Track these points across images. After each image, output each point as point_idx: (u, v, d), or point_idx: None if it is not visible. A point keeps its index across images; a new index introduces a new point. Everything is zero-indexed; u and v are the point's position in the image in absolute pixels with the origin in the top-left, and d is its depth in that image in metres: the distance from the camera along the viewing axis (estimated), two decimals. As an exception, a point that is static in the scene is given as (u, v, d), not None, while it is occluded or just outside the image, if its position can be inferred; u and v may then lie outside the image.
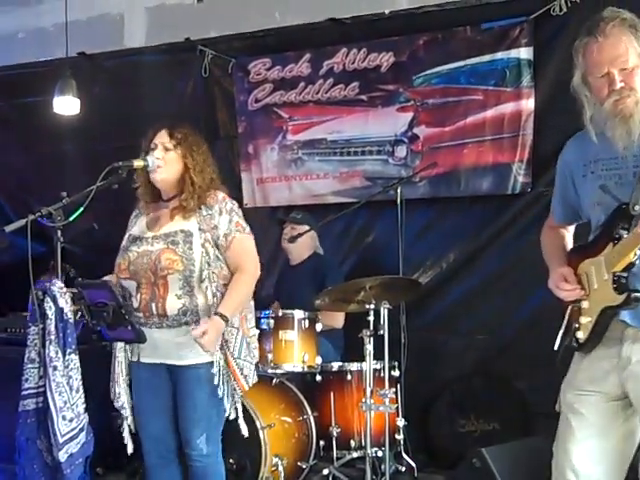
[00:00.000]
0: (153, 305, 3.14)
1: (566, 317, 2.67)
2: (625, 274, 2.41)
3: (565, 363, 2.67)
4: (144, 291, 3.17)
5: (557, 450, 2.65)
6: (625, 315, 2.47)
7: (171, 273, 3.12)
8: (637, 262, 2.40)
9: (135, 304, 3.20)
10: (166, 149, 3.25)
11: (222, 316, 3.08)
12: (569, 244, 2.85)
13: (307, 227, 4.96)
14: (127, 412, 3.32)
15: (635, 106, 2.41)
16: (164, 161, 3.22)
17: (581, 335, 2.58)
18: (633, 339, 2.48)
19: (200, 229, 3.18)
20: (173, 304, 3.13)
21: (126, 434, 3.34)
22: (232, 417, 3.28)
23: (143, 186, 3.33)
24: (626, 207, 2.42)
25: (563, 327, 2.68)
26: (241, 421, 3.33)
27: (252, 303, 3.39)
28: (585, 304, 2.57)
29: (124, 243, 3.31)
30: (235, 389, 3.21)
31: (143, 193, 3.35)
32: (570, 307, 2.65)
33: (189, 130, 3.34)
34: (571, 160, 2.70)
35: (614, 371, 2.51)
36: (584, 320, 2.57)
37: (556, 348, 2.68)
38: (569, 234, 2.88)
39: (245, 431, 3.34)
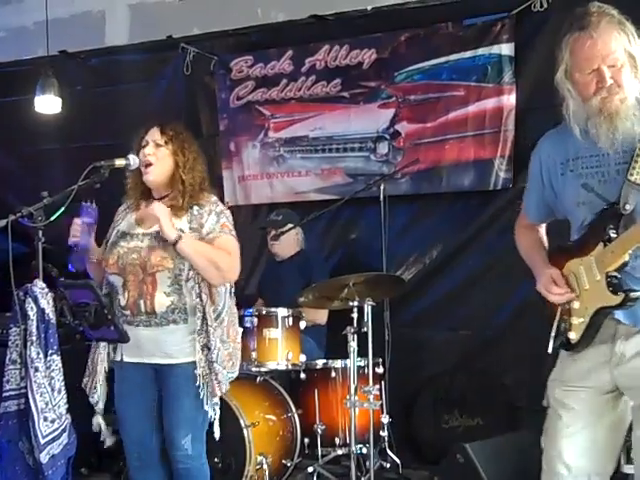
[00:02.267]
0: (141, 302, 3.13)
1: (556, 319, 2.65)
2: (618, 275, 2.41)
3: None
4: (131, 288, 3.16)
5: (547, 445, 2.65)
6: (619, 314, 2.47)
7: (161, 270, 3.11)
8: (630, 262, 2.40)
9: (122, 302, 3.19)
10: (157, 145, 3.23)
11: (180, 235, 3.07)
12: (546, 242, 2.83)
13: (290, 226, 4.96)
14: (100, 407, 3.29)
15: (621, 104, 2.39)
16: (155, 157, 3.21)
17: (573, 336, 2.56)
18: (626, 335, 2.48)
19: (191, 228, 3.18)
20: (162, 301, 3.12)
21: (103, 428, 3.32)
22: (213, 419, 3.26)
23: (134, 185, 3.30)
24: (615, 207, 2.41)
25: (554, 329, 2.65)
26: (216, 424, 3.28)
27: (235, 312, 3.38)
28: (576, 305, 2.55)
29: (112, 238, 3.29)
30: (211, 391, 3.17)
31: (134, 192, 3.32)
32: (560, 308, 2.63)
33: (181, 128, 3.34)
34: (547, 159, 2.67)
35: (605, 367, 2.51)
36: (576, 321, 2.55)
37: (550, 351, 2.65)
38: (543, 231, 2.86)
39: (218, 434, 3.28)
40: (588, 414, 2.56)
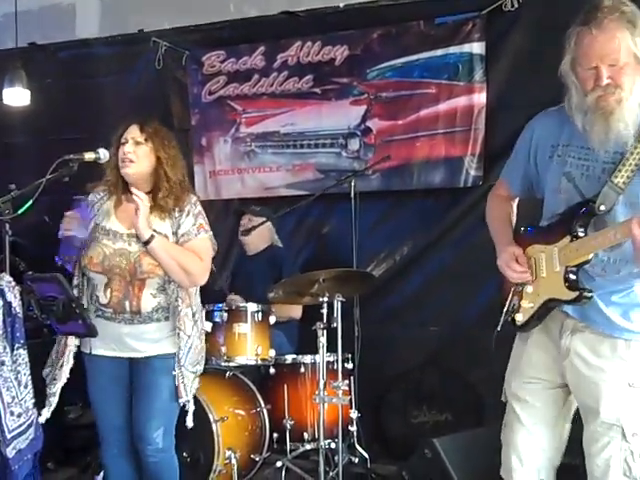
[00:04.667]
0: (127, 303, 3.15)
1: (509, 298, 2.70)
2: (576, 270, 2.44)
3: (503, 343, 2.72)
4: (116, 288, 3.16)
5: (504, 439, 2.70)
6: (568, 308, 2.51)
7: (152, 277, 3.14)
8: (592, 260, 2.43)
9: (102, 299, 3.19)
10: (137, 143, 3.22)
11: (153, 235, 3.08)
12: (514, 218, 2.85)
13: (263, 219, 4.96)
14: (54, 400, 3.24)
15: (617, 104, 2.36)
16: (136, 155, 3.20)
17: (520, 318, 2.63)
18: (572, 330, 2.53)
19: (173, 233, 3.20)
20: (148, 302, 3.16)
21: (41, 419, 3.18)
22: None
23: (114, 181, 3.27)
24: (591, 204, 2.42)
25: (506, 308, 2.71)
26: (189, 417, 3.31)
27: (199, 301, 3.38)
28: (529, 289, 2.60)
29: (94, 234, 3.25)
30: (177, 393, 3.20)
31: (115, 188, 3.28)
32: (513, 289, 2.69)
33: (159, 125, 3.33)
34: (540, 136, 2.65)
35: (555, 360, 2.57)
36: (525, 304, 2.60)
37: (499, 329, 2.73)
38: (514, 206, 2.87)
39: (190, 422, 3.31)
40: (541, 408, 2.61)
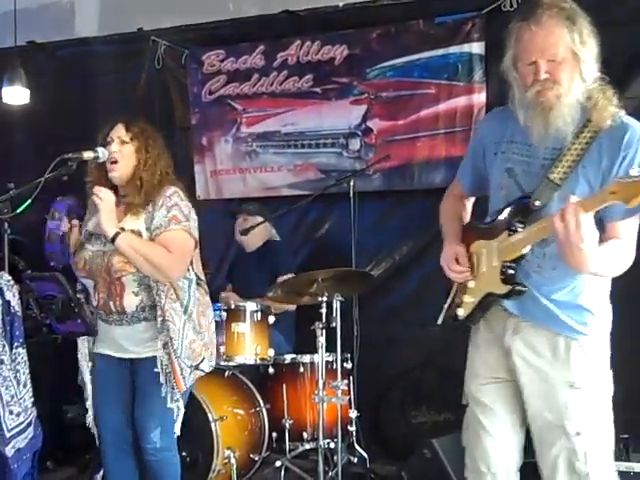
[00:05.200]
0: (111, 303, 3.15)
1: (452, 293, 2.73)
2: (514, 265, 2.46)
3: (445, 337, 2.77)
4: (101, 289, 3.16)
5: (469, 443, 2.71)
6: (507, 303, 2.53)
7: (125, 275, 3.12)
8: (528, 255, 2.44)
9: (94, 302, 3.20)
10: (122, 142, 3.21)
11: (118, 232, 3.05)
12: (467, 217, 2.87)
13: (260, 218, 4.97)
14: (89, 402, 3.30)
15: (556, 100, 2.38)
16: (121, 154, 3.19)
17: (462, 312, 2.66)
18: (514, 329, 2.55)
19: (147, 228, 3.16)
20: (131, 301, 3.14)
21: (91, 423, 3.30)
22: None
23: (98, 181, 3.24)
24: (528, 201, 2.45)
25: (448, 302, 2.74)
26: (179, 421, 3.27)
27: (206, 301, 3.37)
28: (471, 284, 2.63)
29: (81, 238, 3.27)
30: (174, 388, 3.16)
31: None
32: (457, 283, 2.71)
33: (145, 124, 3.31)
34: (487, 134, 2.69)
35: (501, 358, 2.59)
36: (467, 299, 2.63)
37: (439, 322, 2.76)
38: (469, 205, 2.90)
39: (178, 430, 3.27)
40: (499, 409, 2.62)
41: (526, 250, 2.43)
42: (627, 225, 2.39)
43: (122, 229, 3.09)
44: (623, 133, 2.38)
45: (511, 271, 2.46)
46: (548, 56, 2.36)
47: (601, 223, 2.35)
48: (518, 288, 2.45)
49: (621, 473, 3.49)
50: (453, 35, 4.98)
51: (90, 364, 3.31)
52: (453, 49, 4.97)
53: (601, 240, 2.30)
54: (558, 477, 2.49)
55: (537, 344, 2.52)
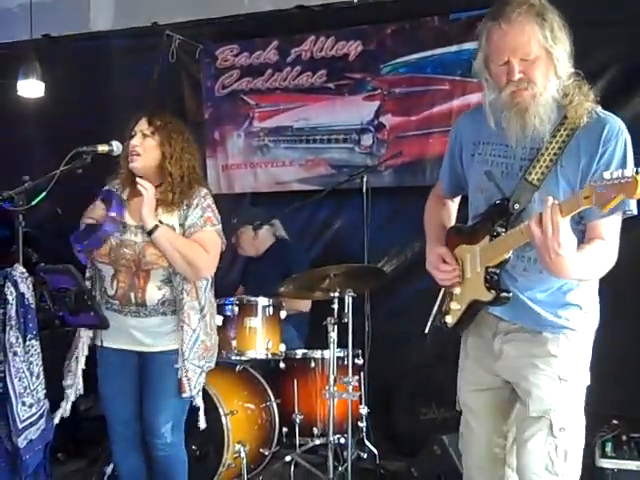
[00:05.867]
0: (132, 294, 3.15)
1: (438, 300, 2.68)
2: (497, 271, 2.39)
3: (435, 346, 2.76)
4: (122, 279, 3.16)
5: (463, 449, 2.70)
6: (495, 309, 2.46)
7: (155, 268, 3.13)
8: (512, 260, 2.37)
9: (110, 291, 3.20)
10: (144, 136, 3.22)
11: (158, 225, 3.07)
12: (452, 217, 2.82)
13: (248, 227, 4.99)
14: (71, 392, 3.28)
15: (532, 100, 2.30)
16: (142, 148, 3.20)
17: (450, 320, 2.60)
18: (505, 332, 2.49)
19: (180, 224, 3.18)
20: (153, 295, 3.15)
21: (59, 414, 3.26)
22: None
23: (126, 173, 3.27)
24: (506, 203, 2.37)
25: (435, 310, 2.69)
26: (201, 417, 3.32)
27: (214, 303, 3.38)
28: (457, 290, 2.56)
29: None
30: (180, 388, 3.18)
31: (126, 180, 3.29)
32: (443, 290, 2.66)
33: (170, 117, 3.32)
34: (463, 134, 2.62)
35: (489, 364, 2.53)
36: (454, 306, 2.57)
37: (426, 331, 2.72)
38: (454, 205, 2.84)
39: (203, 424, 3.32)
40: (490, 416, 2.58)
41: (508, 255, 2.35)
42: (609, 223, 2.30)
43: (160, 222, 3.11)
44: (601, 128, 2.31)
45: (494, 277, 2.39)
46: (521, 55, 2.27)
47: (581, 222, 2.31)
48: (503, 295, 2.38)
49: (632, 472, 3.52)
50: (467, 32, 4.95)
51: (86, 354, 3.29)
52: (467, 45, 4.94)
53: (582, 241, 2.26)
54: (533, 470, 2.41)
55: (527, 345, 2.45)
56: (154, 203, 3.13)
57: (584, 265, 2.23)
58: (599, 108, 2.37)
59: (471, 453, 2.65)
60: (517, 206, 2.35)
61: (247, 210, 5.23)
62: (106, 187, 3.30)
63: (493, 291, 2.39)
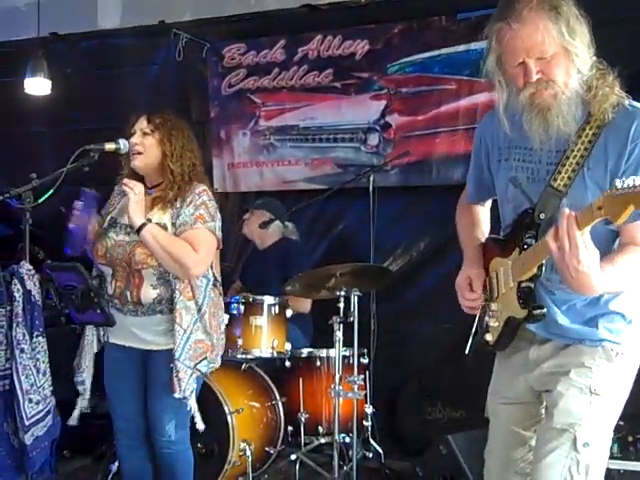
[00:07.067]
0: (128, 293, 3.15)
1: (477, 318, 2.50)
2: (531, 285, 2.22)
3: (477, 364, 2.53)
4: (119, 279, 3.17)
5: (487, 458, 2.57)
6: (530, 325, 2.30)
7: (145, 268, 3.12)
8: (545, 272, 2.20)
9: (110, 291, 3.20)
10: (144, 134, 3.22)
11: (145, 223, 3.05)
12: (484, 223, 2.64)
13: (266, 213, 4.96)
14: (85, 388, 3.29)
15: (553, 99, 2.13)
16: (142, 146, 3.19)
17: (489, 338, 2.42)
18: (540, 342, 2.34)
19: (173, 223, 3.16)
20: (148, 294, 3.14)
21: (76, 412, 3.30)
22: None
23: (128, 172, 3.27)
24: (532, 213, 2.22)
25: (474, 328, 2.51)
26: (198, 419, 3.28)
27: (219, 302, 3.36)
28: (494, 306, 2.39)
29: (105, 224, 3.27)
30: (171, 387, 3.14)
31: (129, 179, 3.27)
32: (481, 307, 2.47)
33: (170, 115, 3.30)
34: (488, 139, 2.45)
35: (521, 375, 2.40)
36: (492, 323, 2.39)
37: (467, 352, 2.52)
38: (485, 210, 2.66)
39: (200, 425, 3.29)
40: (513, 428, 2.44)
41: (537, 270, 2.17)
42: None
43: (149, 220, 3.10)
44: (630, 124, 2.13)
45: (527, 292, 2.21)
46: (537, 54, 2.10)
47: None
48: (536, 312, 2.20)
49: (639, 473, 3.50)
50: (475, 31, 4.89)
51: (94, 351, 3.30)
52: (475, 45, 4.94)
53: (613, 240, 2.15)
54: None
55: (562, 354, 2.30)
56: (142, 201, 3.11)
57: (615, 278, 2.07)
58: (627, 101, 2.20)
59: (492, 461, 2.54)
60: (542, 215, 2.19)
61: (273, 203, 5.16)
62: (83, 188, 3.29)
63: (526, 308, 2.22)
